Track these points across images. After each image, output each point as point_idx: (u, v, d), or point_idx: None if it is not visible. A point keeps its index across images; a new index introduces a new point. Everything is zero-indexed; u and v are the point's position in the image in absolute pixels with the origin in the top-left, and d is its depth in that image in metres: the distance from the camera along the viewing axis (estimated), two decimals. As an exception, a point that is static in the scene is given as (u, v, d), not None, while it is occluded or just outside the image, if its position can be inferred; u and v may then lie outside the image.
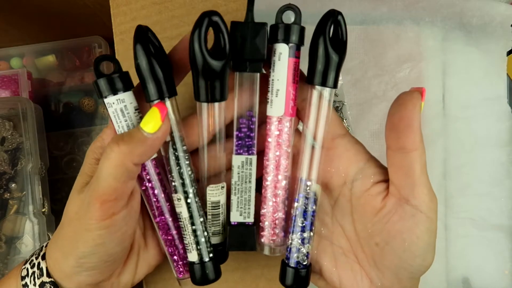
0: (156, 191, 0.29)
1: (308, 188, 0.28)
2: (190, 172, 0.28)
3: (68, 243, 0.27)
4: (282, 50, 0.27)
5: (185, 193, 0.28)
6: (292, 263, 0.28)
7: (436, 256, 0.59)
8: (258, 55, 0.26)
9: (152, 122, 0.25)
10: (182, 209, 0.28)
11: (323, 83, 0.27)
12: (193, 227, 0.28)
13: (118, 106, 0.27)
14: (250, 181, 0.28)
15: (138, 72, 0.26)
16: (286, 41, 0.27)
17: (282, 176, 0.28)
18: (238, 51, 0.26)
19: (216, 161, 0.29)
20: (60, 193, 0.56)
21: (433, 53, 0.60)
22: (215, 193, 0.29)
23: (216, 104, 0.27)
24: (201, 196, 0.29)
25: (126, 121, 0.27)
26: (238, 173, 0.28)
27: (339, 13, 0.26)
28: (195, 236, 0.28)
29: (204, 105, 0.27)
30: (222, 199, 0.29)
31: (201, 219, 0.28)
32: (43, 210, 0.50)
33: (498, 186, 0.60)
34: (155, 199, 0.29)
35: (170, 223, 0.29)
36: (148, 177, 0.28)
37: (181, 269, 0.30)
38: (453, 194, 0.60)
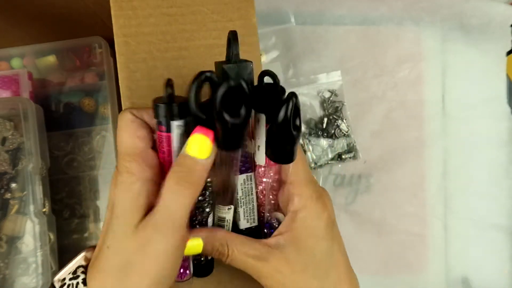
0: None
1: (275, 215, 0.32)
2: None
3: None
4: (260, 118, 0.28)
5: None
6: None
7: (435, 256, 0.59)
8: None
9: (203, 147, 0.26)
10: (229, 215, 0.31)
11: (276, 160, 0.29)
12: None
13: (184, 128, 0.28)
14: (252, 193, 0.32)
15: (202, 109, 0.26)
16: (264, 111, 0.28)
17: (267, 198, 0.33)
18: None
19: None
20: (60, 193, 0.56)
21: (433, 53, 0.60)
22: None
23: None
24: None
25: (169, 146, 0.28)
26: (242, 189, 0.32)
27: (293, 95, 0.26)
28: None
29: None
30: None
31: None
32: (44, 210, 0.51)
33: (497, 186, 0.60)
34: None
35: None
36: None
37: (182, 271, 0.32)
38: (453, 194, 0.60)
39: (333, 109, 0.60)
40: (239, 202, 0.32)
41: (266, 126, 0.28)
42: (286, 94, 0.26)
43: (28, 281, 0.49)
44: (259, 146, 0.29)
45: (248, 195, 0.32)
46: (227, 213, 0.32)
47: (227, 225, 0.33)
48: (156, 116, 0.27)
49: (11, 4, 0.50)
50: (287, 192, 0.30)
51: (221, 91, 0.25)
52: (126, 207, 0.27)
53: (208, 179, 0.30)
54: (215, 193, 0.31)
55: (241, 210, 0.32)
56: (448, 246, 0.60)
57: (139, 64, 0.36)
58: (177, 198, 0.26)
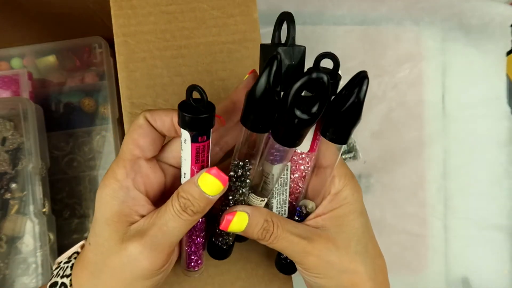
0: None
1: (303, 203, 0.31)
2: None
3: None
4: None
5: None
6: (283, 257, 0.34)
7: (435, 256, 0.59)
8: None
9: (215, 188, 0.26)
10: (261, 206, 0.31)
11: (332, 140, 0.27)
12: None
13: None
14: (286, 184, 0.31)
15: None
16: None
17: (305, 185, 0.31)
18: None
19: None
20: (60, 193, 0.56)
21: (433, 53, 0.60)
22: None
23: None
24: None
25: (208, 152, 0.28)
26: (278, 180, 0.30)
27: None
28: None
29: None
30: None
31: None
32: (44, 210, 0.51)
33: (497, 186, 0.60)
34: None
35: (203, 228, 0.32)
36: None
37: (193, 264, 0.32)
38: (453, 194, 0.60)
39: (333, 109, 0.60)
40: (274, 194, 0.31)
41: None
42: (357, 74, 0.24)
43: (28, 281, 0.49)
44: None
45: (283, 186, 0.31)
46: (259, 204, 0.30)
47: None
48: (195, 128, 0.25)
49: (11, 4, 0.50)
50: (325, 176, 0.29)
51: (298, 84, 0.22)
52: (102, 211, 0.28)
53: (247, 161, 0.29)
54: (252, 180, 0.29)
55: (274, 202, 0.31)
56: (448, 246, 0.60)
57: (138, 64, 0.36)
58: (178, 222, 0.26)
